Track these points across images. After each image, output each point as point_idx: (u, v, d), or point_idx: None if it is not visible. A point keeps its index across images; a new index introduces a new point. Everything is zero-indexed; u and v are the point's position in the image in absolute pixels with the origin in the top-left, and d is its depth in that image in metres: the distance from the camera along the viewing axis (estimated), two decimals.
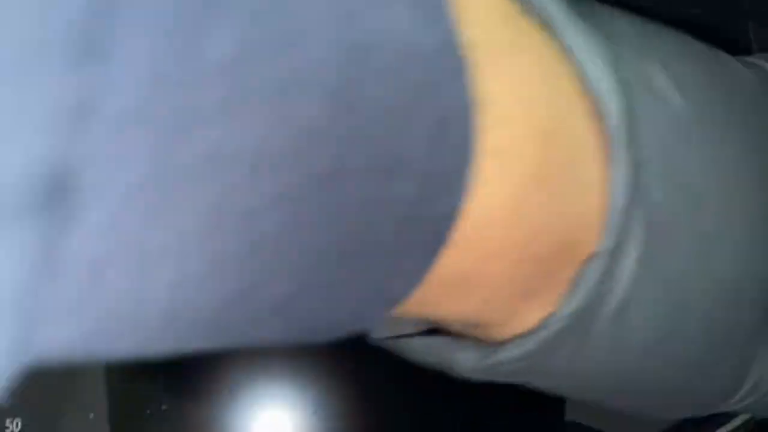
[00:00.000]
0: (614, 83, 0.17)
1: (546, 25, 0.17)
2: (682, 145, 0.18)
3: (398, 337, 0.20)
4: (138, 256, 0.11)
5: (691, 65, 0.20)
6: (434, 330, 0.20)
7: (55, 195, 0.09)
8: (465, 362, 0.19)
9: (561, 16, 0.17)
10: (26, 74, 0.08)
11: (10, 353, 0.10)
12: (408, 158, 0.13)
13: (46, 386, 0.36)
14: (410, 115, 0.13)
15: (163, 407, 0.36)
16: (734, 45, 0.25)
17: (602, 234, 0.17)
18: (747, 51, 0.29)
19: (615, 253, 0.17)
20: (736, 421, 0.33)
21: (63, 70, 0.08)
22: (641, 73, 0.18)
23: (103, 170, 0.09)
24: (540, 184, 0.16)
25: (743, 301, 0.20)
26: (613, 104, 0.17)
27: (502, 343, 0.19)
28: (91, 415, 0.36)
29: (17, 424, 0.36)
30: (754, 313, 0.20)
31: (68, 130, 0.09)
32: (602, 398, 0.23)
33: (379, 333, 0.20)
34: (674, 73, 0.19)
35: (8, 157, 0.08)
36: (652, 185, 0.18)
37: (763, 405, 0.23)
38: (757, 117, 0.21)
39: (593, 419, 0.37)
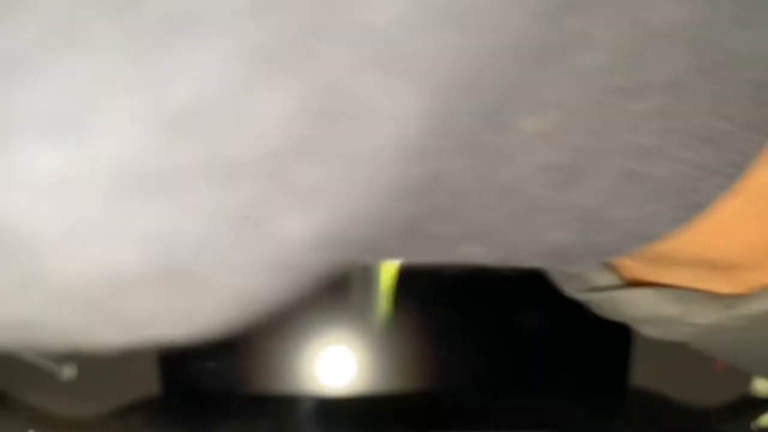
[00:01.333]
0: None
1: None
2: None
3: (603, 289, 0.20)
4: None
5: None
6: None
7: None
8: (705, 313, 0.20)
9: None
10: None
11: None
12: None
13: None
14: None
15: (210, 364, 0.38)
16: None
17: None
18: None
19: None
20: None
21: None
22: None
23: None
24: None
25: None
26: None
27: (750, 294, 0.19)
28: (142, 369, 0.37)
29: (72, 370, 0.38)
30: None
31: None
32: None
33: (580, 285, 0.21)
34: None
35: None
36: None
37: None
38: None
39: (657, 384, 0.37)
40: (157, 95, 0.09)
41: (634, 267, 0.20)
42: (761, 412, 0.37)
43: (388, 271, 0.36)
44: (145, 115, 0.09)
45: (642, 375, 0.37)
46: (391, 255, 0.16)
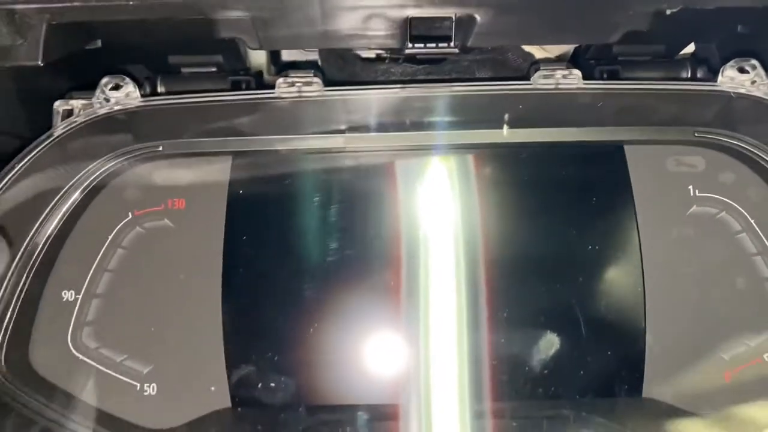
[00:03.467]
0: None
1: None
2: None
3: None
4: None
5: None
6: None
7: None
8: None
9: None
10: None
11: None
12: None
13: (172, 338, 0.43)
14: None
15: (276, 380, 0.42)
16: None
17: None
18: None
19: None
20: None
21: None
22: None
23: None
24: None
25: None
26: None
27: None
28: (218, 377, 0.42)
29: (153, 388, 0.43)
30: None
31: None
32: None
33: None
34: None
35: None
36: None
37: None
38: None
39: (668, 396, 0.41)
40: None
41: None
42: None
43: None
44: None
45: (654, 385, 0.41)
46: None
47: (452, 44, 0.44)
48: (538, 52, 0.49)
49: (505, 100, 0.43)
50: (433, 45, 0.45)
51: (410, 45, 0.45)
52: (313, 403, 0.42)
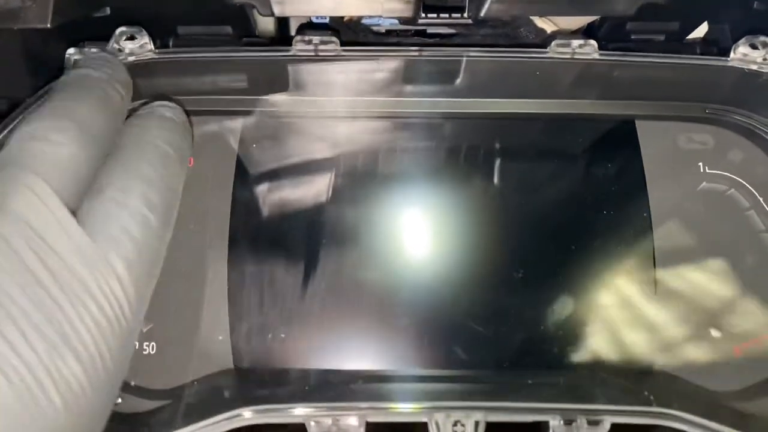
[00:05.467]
0: None
1: None
2: None
3: None
4: None
5: None
6: None
7: None
8: None
9: None
10: None
11: None
12: None
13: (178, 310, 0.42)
14: None
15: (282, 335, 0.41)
16: None
17: None
18: None
19: None
20: None
21: None
22: None
23: None
24: None
25: None
26: None
27: None
28: (221, 337, 0.41)
29: (153, 347, 0.42)
30: None
31: None
32: None
33: None
34: None
35: None
36: None
37: None
38: None
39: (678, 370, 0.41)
40: None
41: None
42: None
43: None
44: None
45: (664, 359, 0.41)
46: None
47: (466, 15, 0.45)
48: (550, 28, 0.50)
49: (521, 68, 0.43)
50: (446, 15, 0.45)
51: (423, 15, 0.45)
52: (319, 366, 0.41)
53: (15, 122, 0.38)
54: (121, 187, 0.31)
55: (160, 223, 0.32)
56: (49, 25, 0.39)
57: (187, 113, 0.40)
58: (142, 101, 0.43)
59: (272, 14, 0.43)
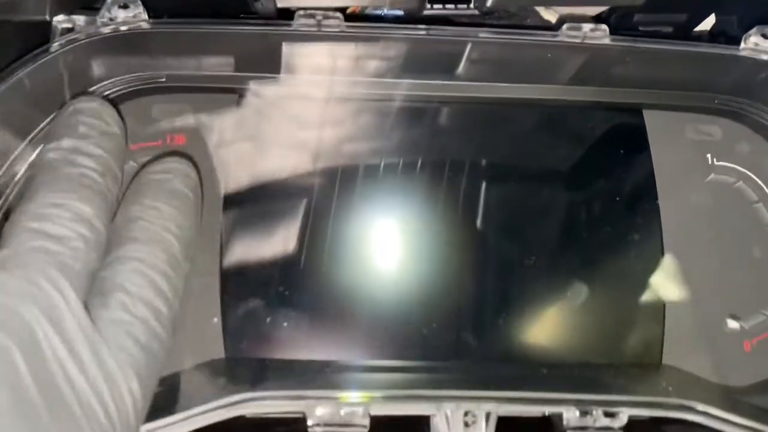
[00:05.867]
0: None
1: None
2: None
3: None
4: None
5: None
6: None
7: None
8: None
9: None
10: None
11: None
12: None
13: None
14: None
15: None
16: None
17: None
18: None
19: None
20: None
21: None
22: None
23: None
24: None
25: None
26: None
27: None
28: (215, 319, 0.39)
29: None
30: None
31: None
32: None
33: None
34: None
35: None
36: None
37: None
38: None
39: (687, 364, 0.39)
40: None
41: None
42: None
43: None
44: None
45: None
46: None
47: (472, 5, 0.43)
48: (556, 20, 0.49)
49: (530, 51, 0.42)
50: (452, 6, 0.44)
51: (428, 6, 0.44)
52: (312, 356, 0.39)
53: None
54: (129, 291, 0.28)
55: (167, 335, 0.29)
56: None
57: (198, 169, 0.34)
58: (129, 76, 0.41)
59: (275, 5, 0.42)
